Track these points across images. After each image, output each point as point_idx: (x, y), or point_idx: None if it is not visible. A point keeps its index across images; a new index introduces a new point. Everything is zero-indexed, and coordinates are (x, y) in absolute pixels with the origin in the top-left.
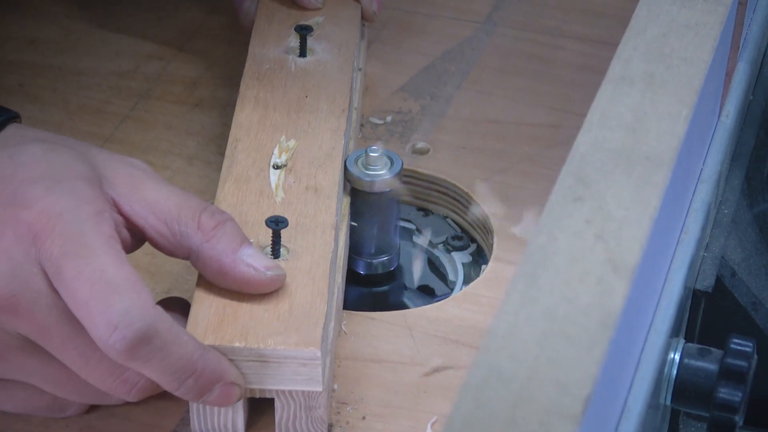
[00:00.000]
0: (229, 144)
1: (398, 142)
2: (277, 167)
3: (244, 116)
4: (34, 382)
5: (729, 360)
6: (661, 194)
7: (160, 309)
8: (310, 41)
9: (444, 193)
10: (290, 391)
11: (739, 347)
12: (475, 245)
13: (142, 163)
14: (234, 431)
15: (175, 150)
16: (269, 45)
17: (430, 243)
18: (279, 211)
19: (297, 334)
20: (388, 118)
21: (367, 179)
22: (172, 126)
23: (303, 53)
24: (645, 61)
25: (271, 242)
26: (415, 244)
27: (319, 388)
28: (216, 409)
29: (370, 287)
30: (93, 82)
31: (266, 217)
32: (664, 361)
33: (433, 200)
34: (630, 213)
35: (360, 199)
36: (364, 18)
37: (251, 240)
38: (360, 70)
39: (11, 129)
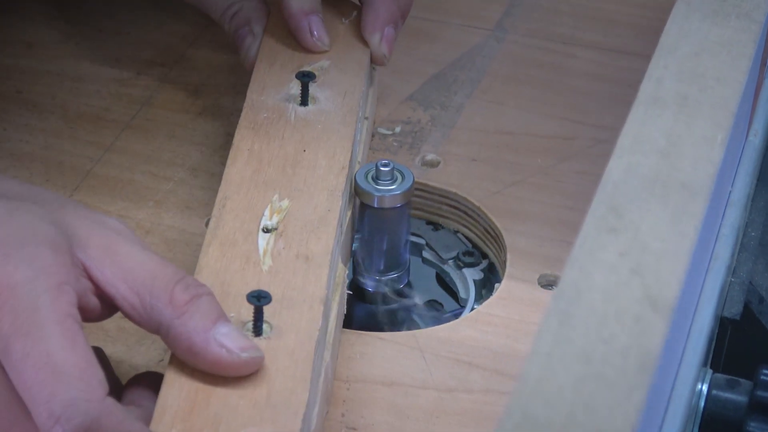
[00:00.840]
0: (217, 202)
1: (407, 153)
2: (266, 230)
3: (236, 171)
4: None
5: (759, 392)
6: (699, 224)
7: (109, 400)
8: (313, 88)
9: (455, 207)
10: None
11: None
12: (486, 261)
13: (119, 223)
14: None
15: (178, 160)
16: (268, 91)
17: (440, 258)
18: (265, 281)
19: (274, 425)
20: (397, 129)
21: (377, 194)
22: (174, 135)
23: (304, 102)
24: (677, 81)
25: (253, 318)
26: (424, 259)
27: None
28: None
29: (379, 305)
30: (93, 88)
31: (251, 287)
32: (692, 393)
33: (443, 214)
34: (667, 245)
35: (369, 214)
36: (374, 61)
37: (231, 314)
38: (366, 119)
39: None
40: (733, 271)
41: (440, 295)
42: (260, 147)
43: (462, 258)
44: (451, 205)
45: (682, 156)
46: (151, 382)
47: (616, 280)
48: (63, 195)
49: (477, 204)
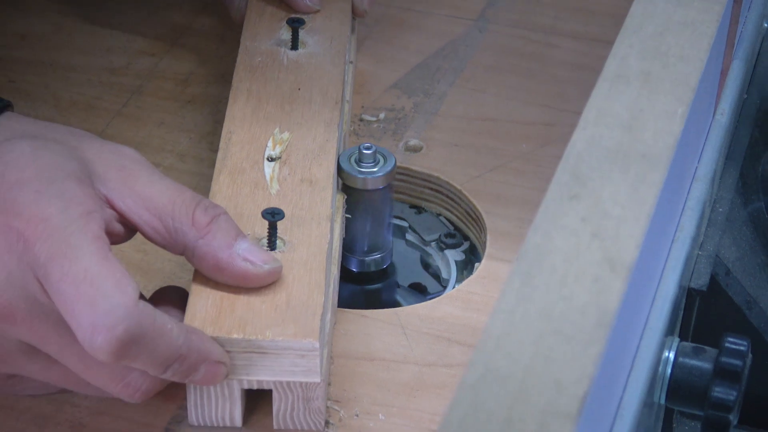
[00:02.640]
0: (223, 136)
1: (391, 139)
2: (271, 159)
3: (237, 109)
4: (40, 380)
5: (724, 359)
6: (657, 193)
7: (143, 304)
8: (302, 34)
9: (437, 191)
10: (288, 383)
11: (733, 346)
12: (468, 243)
13: (134, 152)
14: (232, 422)
15: (167, 147)
16: (261, 38)
17: (423, 241)
18: (274, 204)
19: (295, 325)
20: (381, 115)
21: (360, 176)
22: (164, 122)
23: (295, 46)
24: (641, 59)
25: (267, 234)
26: (407, 242)
27: (317, 380)
28: (214, 400)
29: (363, 285)
30: (84, 78)
31: (262, 210)
32: (658, 360)
33: (426, 198)
34: (626, 211)
35: (353, 196)
36: (355, 13)
37: (247, 233)
38: (351, 63)
39: (2, 120)
40: (700, 244)
41: (423, 276)
42: (258, 87)
43: (444, 240)
44: (433, 189)
45: (643, 129)
46: (174, 296)
47: (576, 243)
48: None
49: (459, 188)
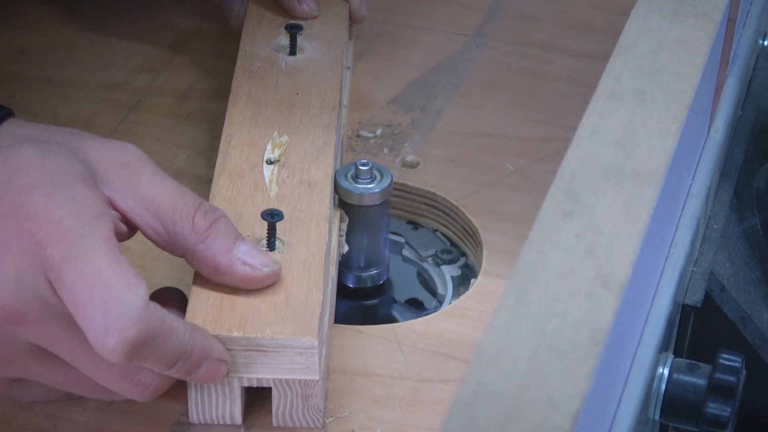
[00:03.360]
0: (223, 140)
1: (388, 155)
2: (270, 162)
3: (237, 112)
4: (45, 383)
5: (718, 375)
6: (651, 210)
7: (153, 305)
8: (300, 40)
9: (433, 207)
10: (287, 380)
11: (728, 362)
12: (464, 259)
13: (135, 149)
14: (232, 420)
15: (165, 163)
16: (259, 43)
17: (420, 256)
18: (273, 205)
19: (294, 323)
20: (378, 131)
21: (357, 192)
22: (161, 139)
23: (293, 51)
24: (635, 77)
25: (266, 235)
26: (404, 258)
27: (316, 377)
28: (214, 399)
29: (359, 300)
30: (82, 94)
31: (261, 211)
32: (653, 376)
33: (422, 213)
34: (620, 228)
35: (350, 212)
36: (352, 20)
37: (247, 234)
38: (349, 68)
39: (5, 126)
40: (695, 261)
41: (420, 292)
42: (257, 92)
43: (440, 255)
44: (430, 205)
45: (637, 146)
46: (172, 297)
47: (570, 260)
48: None
49: (455, 203)
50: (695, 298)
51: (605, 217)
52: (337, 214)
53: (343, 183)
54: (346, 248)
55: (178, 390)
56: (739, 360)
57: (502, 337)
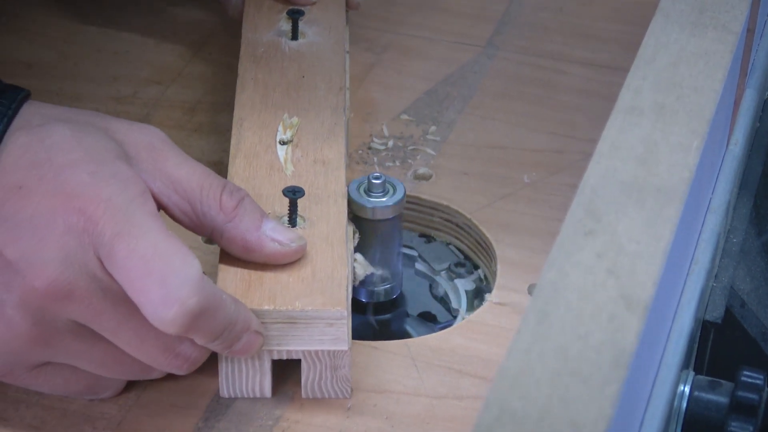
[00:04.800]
0: (235, 123)
1: (400, 167)
2: (283, 143)
3: (246, 97)
4: (78, 364)
5: (740, 393)
6: (674, 227)
7: (206, 278)
8: (301, 25)
9: (446, 220)
10: (316, 352)
11: (749, 380)
12: (478, 272)
13: (159, 132)
14: (261, 393)
15: None
16: (261, 30)
17: (433, 270)
18: (291, 183)
19: (323, 295)
20: (390, 144)
21: (369, 206)
22: None
23: (295, 36)
24: (655, 91)
25: (288, 212)
26: (417, 271)
27: (345, 347)
28: (245, 372)
29: (373, 315)
30: (91, 107)
31: (279, 190)
32: (674, 394)
33: (435, 227)
34: (642, 247)
35: (362, 226)
36: (349, 6)
37: (268, 212)
38: (347, 52)
39: (27, 107)
40: (715, 276)
41: (433, 306)
42: (263, 76)
43: (454, 269)
44: (443, 218)
45: (658, 162)
46: None
47: (592, 280)
48: None
49: (468, 216)
50: (715, 314)
51: (627, 236)
52: (350, 229)
53: (356, 197)
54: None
55: (196, 399)
56: (761, 377)
57: (524, 360)
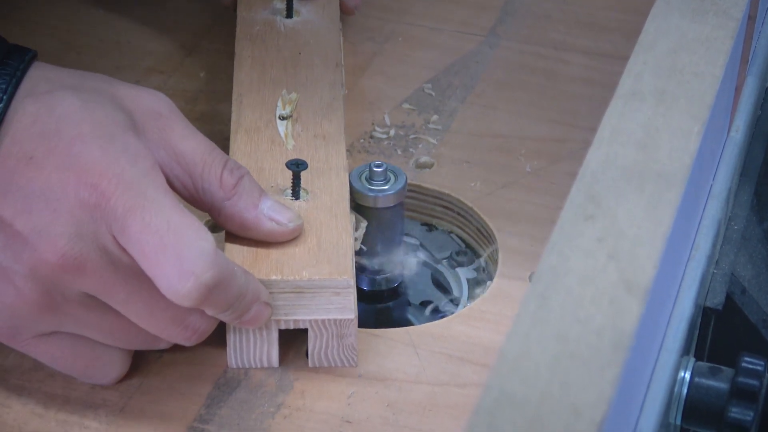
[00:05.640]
0: (234, 100)
1: (402, 156)
2: (283, 118)
3: (244, 74)
4: (86, 333)
5: (740, 379)
6: (674, 212)
7: (219, 251)
8: (295, 4)
9: (448, 208)
10: (323, 321)
11: (750, 366)
12: (479, 260)
13: (166, 99)
14: (269, 363)
15: None
16: (256, 9)
17: (434, 258)
18: (292, 157)
19: (329, 265)
20: (392, 132)
21: (371, 195)
22: None
23: (290, 14)
24: (655, 77)
25: (291, 185)
26: (418, 260)
27: (351, 316)
28: (252, 343)
29: (374, 303)
30: None
31: (281, 164)
32: (674, 380)
33: (437, 215)
34: (642, 231)
35: (364, 214)
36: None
37: (271, 185)
38: (340, 30)
39: (34, 71)
40: (716, 262)
41: (434, 294)
42: (260, 54)
43: (455, 258)
44: (444, 206)
45: (658, 147)
46: None
47: (592, 265)
48: None
49: (470, 205)
50: (716, 300)
51: (627, 220)
52: (352, 217)
53: (358, 185)
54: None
55: (199, 386)
56: (762, 363)
57: (524, 344)
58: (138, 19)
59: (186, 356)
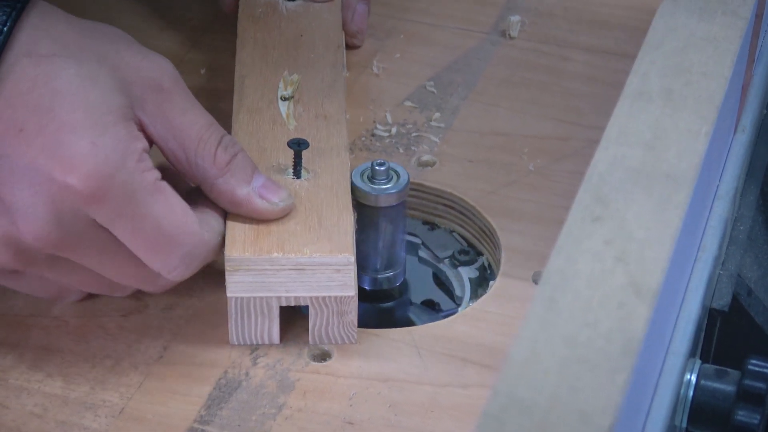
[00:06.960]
0: (236, 80)
1: (404, 154)
2: (285, 99)
3: (246, 55)
4: (50, 280)
5: (747, 381)
6: (683, 214)
7: (203, 232)
8: None
9: (450, 207)
10: (324, 298)
11: (756, 368)
12: (482, 260)
13: (170, 68)
14: (270, 340)
15: None
16: None
17: (436, 258)
18: (294, 137)
19: (330, 242)
20: (394, 130)
21: (373, 193)
22: None
23: None
24: (663, 76)
25: (293, 164)
26: (420, 259)
27: (352, 293)
28: (253, 319)
29: (376, 303)
30: None
31: (283, 143)
32: (680, 383)
33: (439, 214)
34: (651, 233)
35: (366, 213)
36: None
37: (272, 164)
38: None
39: (35, 19)
40: (722, 263)
41: (436, 293)
42: (263, 36)
43: (457, 257)
44: (446, 205)
45: (666, 148)
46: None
47: (600, 268)
48: None
49: (472, 204)
50: (722, 302)
51: (635, 223)
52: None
53: (359, 183)
54: None
55: (199, 387)
56: None
57: (532, 348)
58: (138, 15)
59: (186, 356)
